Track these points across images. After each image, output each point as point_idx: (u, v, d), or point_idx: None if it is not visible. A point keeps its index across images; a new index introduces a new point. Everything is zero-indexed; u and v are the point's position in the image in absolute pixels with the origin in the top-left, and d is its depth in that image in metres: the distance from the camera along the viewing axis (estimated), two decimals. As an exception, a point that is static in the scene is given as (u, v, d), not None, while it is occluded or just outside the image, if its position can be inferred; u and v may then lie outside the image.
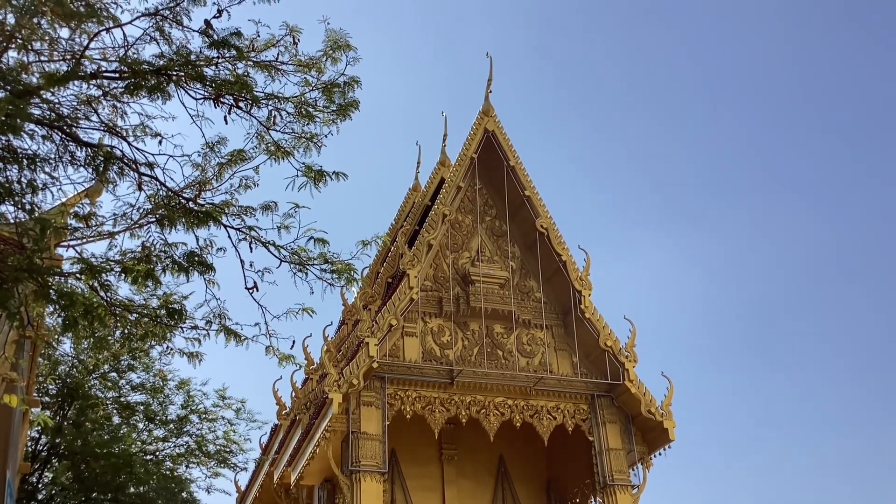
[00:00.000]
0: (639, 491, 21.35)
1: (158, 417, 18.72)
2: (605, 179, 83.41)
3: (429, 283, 22.54)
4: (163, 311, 7.52)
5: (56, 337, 15.98)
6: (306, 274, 7.66)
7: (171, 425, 18.88)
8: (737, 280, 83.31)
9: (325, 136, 7.56)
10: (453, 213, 23.09)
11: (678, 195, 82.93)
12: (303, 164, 7.52)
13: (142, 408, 18.61)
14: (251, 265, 7.60)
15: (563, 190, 77.39)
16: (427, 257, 22.24)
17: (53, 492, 17.31)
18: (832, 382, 79.23)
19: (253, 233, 7.36)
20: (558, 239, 23.01)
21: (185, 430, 18.96)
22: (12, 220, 7.50)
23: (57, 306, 7.25)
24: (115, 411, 18.28)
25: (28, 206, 7.07)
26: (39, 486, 17.43)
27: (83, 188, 7.82)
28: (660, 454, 21.81)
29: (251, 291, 7.60)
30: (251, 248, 7.49)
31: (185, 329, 7.51)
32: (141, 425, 18.76)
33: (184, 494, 17.84)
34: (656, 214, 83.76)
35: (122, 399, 18.53)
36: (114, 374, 18.29)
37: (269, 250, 7.47)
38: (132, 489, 16.98)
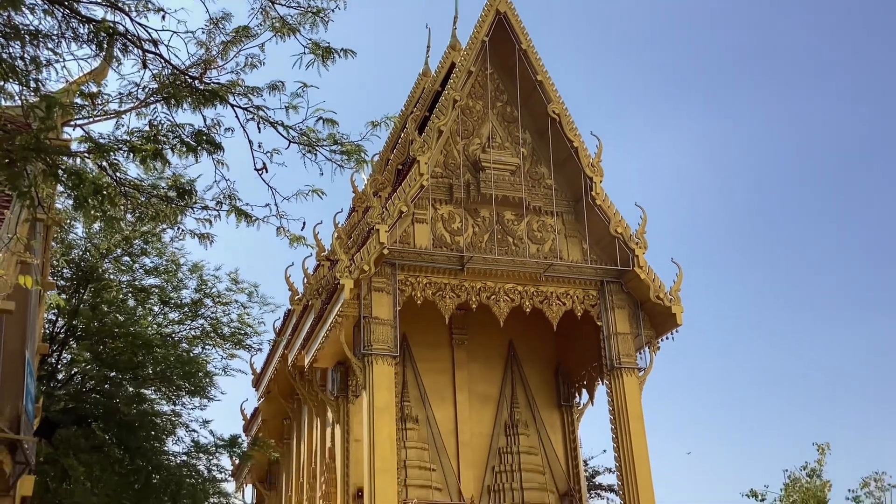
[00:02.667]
0: (645, 373, 21.79)
1: (173, 301, 18.98)
2: (619, 63, 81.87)
3: (439, 170, 22.44)
4: (173, 193, 7.49)
5: (68, 221, 16.07)
6: (315, 155, 7.55)
7: (186, 308, 19.16)
8: (750, 161, 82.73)
9: (332, 10, 7.35)
10: (464, 98, 22.76)
11: (693, 76, 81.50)
12: (310, 40, 7.33)
13: (156, 291, 18.86)
14: (259, 146, 7.50)
15: (574, 77, 76.13)
16: (437, 143, 22.05)
17: (74, 371, 17.75)
18: (842, 262, 79.69)
19: (261, 113, 7.24)
20: (570, 125, 22.74)
21: (199, 313, 19.24)
22: (18, 100, 7.41)
23: (66, 186, 7.23)
24: (129, 294, 18.53)
25: (33, 84, 6.96)
26: (59, 367, 17.87)
27: (87, 66, 7.68)
28: (667, 338, 22.16)
29: (260, 172, 7.52)
30: (259, 129, 7.37)
31: (195, 209, 7.50)
32: (156, 308, 19.05)
33: (201, 374, 18.26)
34: (671, 96, 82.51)
35: (136, 283, 18.76)
36: (127, 258, 18.45)
37: (277, 131, 7.35)
38: (150, 369, 17.38)
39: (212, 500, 18.94)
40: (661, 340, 22.28)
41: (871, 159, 75.56)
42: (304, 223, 7.69)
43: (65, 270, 17.59)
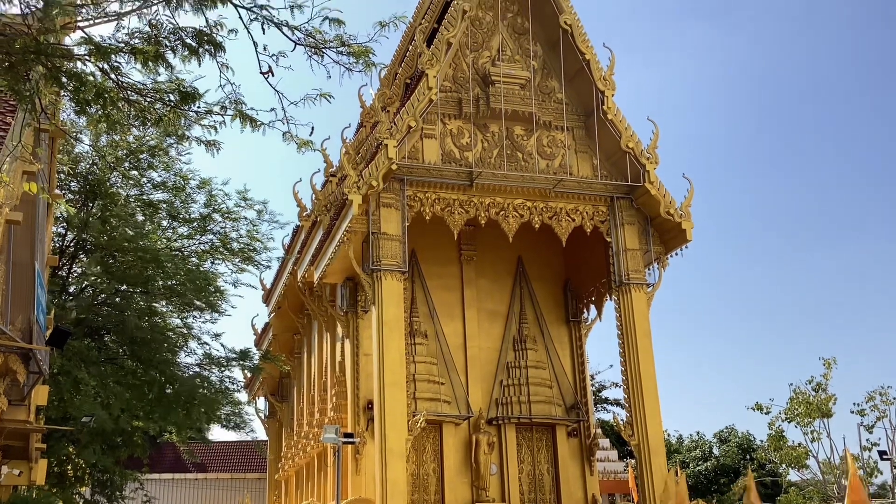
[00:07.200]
0: (653, 289, 21.81)
1: (181, 215, 18.96)
2: (632, -21, 79.98)
3: (448, 84, 22.07)
4: (176, 97, 7.33)
5: (74, 133, 15.94)
6: (322, 58, 7.36)
7: (195, 223, 19.15)
8: (759, 77, 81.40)
9: None
10: (473, 9, 22.21)
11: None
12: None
13: (164, 206, 18.82)
14: (265, 49, 7.30)
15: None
16: (446, 56, 21.63)
17: (84, 284, 17.85)
18: (849, 185, 79.16)
19: (264, 12, 7.03)
20: (582, 37, 22.23)
21: (208, 228, 19.25)
22: (17, 2, 7.22)
23: (68, 90, 7.09)
24: (138, 209, 18.50)
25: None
26: (69, 280, 17.97)
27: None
28: (676, 254, 22.10)
29: (266, 76, 7.34)
30: (263, 30, 7.16)
31: (199, 113, 7.35)
32: (165, 223, 19.04)
33: (211, 288, 18.36)
34: (682, 9, 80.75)
35: (145, 197, 18.72)
36: (134, 171, 18.37)
37: (282, 31, 7.14)
38: (161, 283, 17.46)
39: (225, 410, 19.26)
40: (671, 256, 22.23)
41: (882, 73, 74.23)
42: (313, 128, 7.54)
43: (72, 183, 17.54)
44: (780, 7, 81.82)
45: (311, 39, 7.15)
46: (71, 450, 18.31)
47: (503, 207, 21.40)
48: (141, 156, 18.05)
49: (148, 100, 7.32)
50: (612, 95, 22.06)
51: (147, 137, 17.79)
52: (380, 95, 24.30)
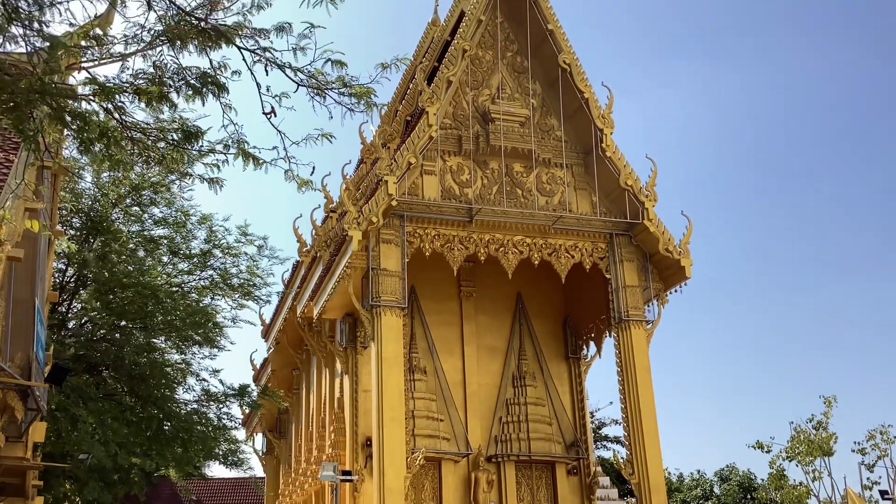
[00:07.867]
0: (653, 326, 21.79)
1: (182, 251, 19.01)
2: (621, 17, 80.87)
3: (448, 121, 22.24)
4: (179, 136, 7.40)
5: (77, 170, 16.03)
6: (324, 98, 7.44)
7: (195, 259, 19.20)
8: (752, 117, 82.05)
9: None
10: (474, 48, 22.47)
11: (700, 27, 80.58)
12: (317, -24, 7.14)
13: (165, 242, 18.87)
14: (268, 90, 7.37)
15: (581, 27, 75.34)
16: (447, 94, 21.83)
17: (84, 320, 17.85)
18: (839, 223, 79.42)
19: (268, 55, 7.11)
20: (581, 75, 22.45)
21: (208, 263, 19.29)
22: (22, 43, 7.31)
23: (72, 130, 7.16)
24: (139, 245, 18.55)
25: (37, 25, 6.84)
26: (69, 315, 17.97)
27: (92, 8, 7.54)
28: (676, 291, 22.10)
29: (269, 116, 7.41)
30: (266, 71, 7.24)
31: (202, 152, 7.41)
32: (165, 258, 19.09)
33: (210, 324, 18.34)
34: (673, 50, 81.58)
35: (146, 233, 18.78)
36: (136, 208, 18.45)
37: (284, 73, 7.22)
38: (160, 318, 17.45)
39: (222, 447, 19.15)
40: (670, 293, 22.24)
41: (867, 113, 74.87)
42: (314, 167, 7.60)
43: (74, 220, 17.62)
44: (770, 46, 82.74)
45: (314, 81, 7.23)
46: (68, 486, 18.18)
47: (502, 244, 21.46)
48: (143, 192, 18.16)
49: (151, 139, 7.40)
50: (611, 133, 22.23)
51: (149, 174, 17.92)
52: (380, 132, 24.48)
